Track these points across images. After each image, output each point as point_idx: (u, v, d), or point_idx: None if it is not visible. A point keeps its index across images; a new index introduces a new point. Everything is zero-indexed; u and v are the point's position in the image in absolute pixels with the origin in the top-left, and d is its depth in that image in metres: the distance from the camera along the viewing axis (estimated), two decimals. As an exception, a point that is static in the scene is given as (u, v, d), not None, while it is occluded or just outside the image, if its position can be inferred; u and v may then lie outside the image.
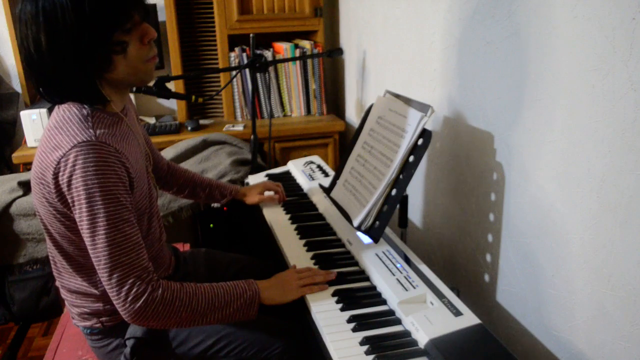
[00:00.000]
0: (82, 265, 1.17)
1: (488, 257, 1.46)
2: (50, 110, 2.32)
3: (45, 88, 1.05)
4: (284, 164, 2.10)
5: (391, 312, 1.12)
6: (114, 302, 1.05)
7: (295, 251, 1.39)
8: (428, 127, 1.27)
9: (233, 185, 1.68)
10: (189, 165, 2.30)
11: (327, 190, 1.56)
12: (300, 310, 1.19)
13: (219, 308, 1.11)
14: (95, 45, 0.99)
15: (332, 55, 2.31)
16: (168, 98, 1.97)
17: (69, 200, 1.02)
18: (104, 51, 1.01)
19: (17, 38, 1.02)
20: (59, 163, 1.01)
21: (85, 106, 1.08)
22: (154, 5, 2.53)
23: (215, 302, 1.11)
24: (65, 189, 1.02)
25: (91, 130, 1.03)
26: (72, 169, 1.00)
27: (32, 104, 2.52)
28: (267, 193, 1.69)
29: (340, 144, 2.69)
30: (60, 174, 1.01)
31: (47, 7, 0.96)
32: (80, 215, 1.02)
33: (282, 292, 1.18)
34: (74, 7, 0.95)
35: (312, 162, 1.98)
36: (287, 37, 2.76)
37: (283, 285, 1.19)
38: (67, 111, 1.08)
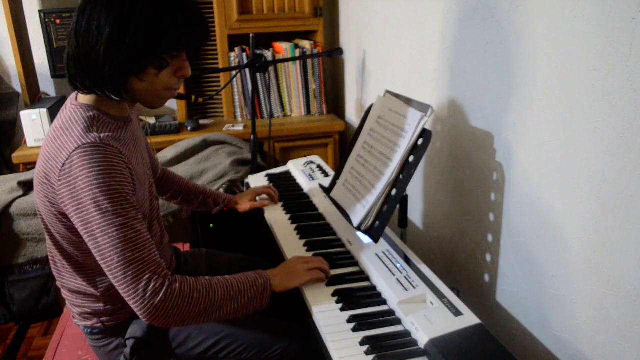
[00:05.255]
0: (82, 266, 1.16)
1: (488, 257, 1.46)
2: (50, 110, 2.32)
3: (80, 71, 1.06)
4: (284, 164, 2.10)
5: (391, 312, 1.12)
6: (131, 302, 1.02)
7: (296, 251, 1.39)
8: (428, 127, 1.27)
9: (226, 194, 1.69)
10: (189, 165, 2.30)
11: (327, 190, 1.56)
12: (300, 311, 1.19)
13: (234, 298, 1.10)
14: (146, 50, 1.04)
15: (332, 55, 2.31)
16: (168, 98, 1.97)
17: (74, 202, 1.01)
18: (147, 59, 1.05)
19: (77, 15, 1.04)
20: (64, 165, 1.01)
21: (92, 109, 1.10)
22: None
23: (231, 292, 1.10)
24: (70, 190, 1.01)
25: (95, 133, 1.04)
26: (77, 171, 1.00)
27: (32, 104, 2.52)
28: (261, 197, 1.70)
29: (340, 144, 2.69)
30: (66, 176, 1.01)
31: (125, 5, 1.01)
32: (88, 216, 1.00)
33: (291, 277, 1.18)
34: (153, 14, 1.02)
35: (312, 162, 1.98)
36: (287, 37, 2.75)
37: (291, 271, 1.20)
38: (73, 112, 1.09)
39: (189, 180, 1.65)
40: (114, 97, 1.08)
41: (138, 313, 1.03)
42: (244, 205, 1.67)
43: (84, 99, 1.11)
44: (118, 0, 1.01)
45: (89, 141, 1.02)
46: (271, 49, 2.63)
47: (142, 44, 1.02)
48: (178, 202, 1.63)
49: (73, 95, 1.16)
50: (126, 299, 1.03)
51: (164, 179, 1.59)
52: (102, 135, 1.04)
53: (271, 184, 1.85)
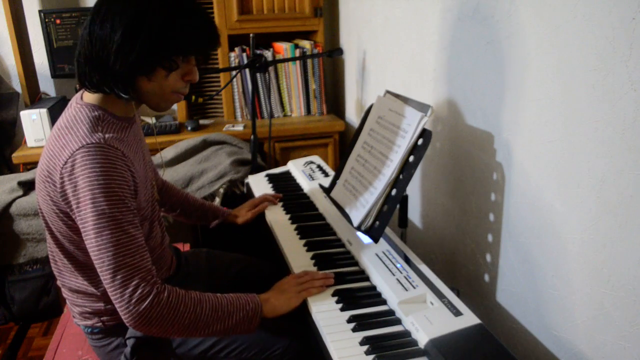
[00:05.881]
0: (82, 265, 1.17)
1: (488, 257, 1.46)
2: (50, 110, 2.32)
3: (91, 69, 1.07)
4: (284, 164, 2.10)
5: (391, 312, 1.12)
6: (117, 305, 1.03)
7: (295, 251, 1.39)
8: (428, 127, 1.27)
9: (224, 208, 1.69)
10: (189, 165, 2.30)
11: (327, 190, 1.56)
12: (300, 311, 1.19)
13: (221, 318, 1.09)
14: (157, 51, 1.05)
15: (332, 55, 2.31)
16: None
17: (74, 201, 1.02)
18: (157, 60, 1.07)
19: (92, 15, 1.06)
20: (66, 163, 1.02)
21: (97, 108, 1.10)
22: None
23: (219, 311, 1.09)
24: (71, 189, 1.02)
25: (100, 134, 1.05)
26: (79, 170, 1.00)
27: (32, 104, 2.52)
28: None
29: (340, 144, 2.68)
30: (67, 174, 1.01)
31: (141, 6, 1.03)
32: (85, 216, 1.01)
33: (283, 302, 1.17)
34: (166, 16, 1.04)
35: (312, 162, 1.98)
36: (287, 37, 2.75)
37: (283, 295, 1.18)
38: (78, 112, 1.09)
39: (188, 193, 1.65)
40: (122, 96, 1.09)
41: (123, 317, 1.03)
42: (244, 216, 1.65)
43: (90, 98, 1.12)
44: (133, 2, 1.03)
45: (93, 141, 1.02)
46: (271, 49, 2.63)
47: (154, 45, 1.04)
48: (176, 215, 1.63)
49: (78, 94, 1.16)
50: (113, 301, 1.03)
51: (163, 191, 1.58)
52: (106, 136, 1.05)
53: (271, 185, 1.86)
